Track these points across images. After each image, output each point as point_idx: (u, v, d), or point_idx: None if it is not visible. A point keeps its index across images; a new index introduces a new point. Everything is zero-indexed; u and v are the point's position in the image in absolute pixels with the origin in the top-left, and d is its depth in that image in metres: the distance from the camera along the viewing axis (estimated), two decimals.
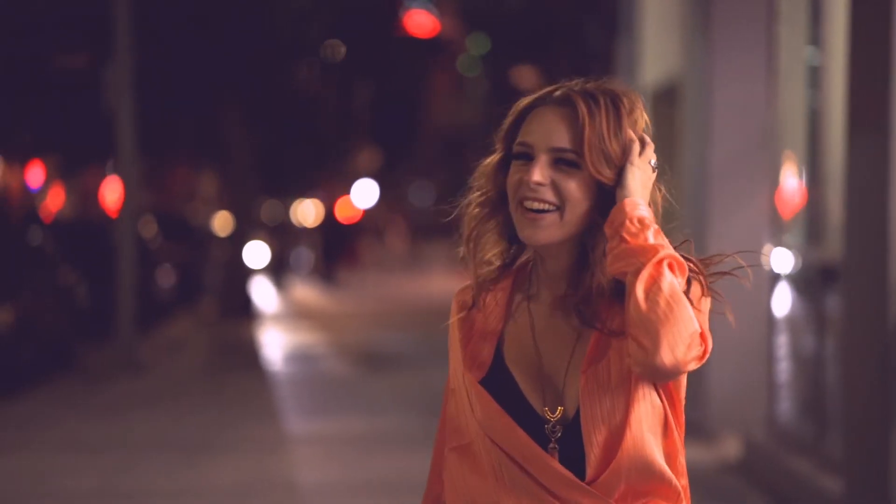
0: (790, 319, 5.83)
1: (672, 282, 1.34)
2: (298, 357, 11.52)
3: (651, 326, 1.32)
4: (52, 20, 13.60)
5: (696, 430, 6.18)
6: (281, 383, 9.43)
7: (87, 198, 20.97)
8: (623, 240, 1.37)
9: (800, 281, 5.76)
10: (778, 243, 5.95)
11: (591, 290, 1.40)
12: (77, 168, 19.06)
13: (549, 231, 1.40)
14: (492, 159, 1.46)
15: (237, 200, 16.27)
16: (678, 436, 1.43)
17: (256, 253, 20.23)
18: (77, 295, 11.13)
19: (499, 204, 1.44)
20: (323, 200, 28.56)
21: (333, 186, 28.90)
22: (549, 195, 1.39)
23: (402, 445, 6.60)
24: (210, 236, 19.58)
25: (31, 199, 18.51)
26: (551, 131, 1.39)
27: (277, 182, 20.98)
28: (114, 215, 11.92)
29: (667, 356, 1.32)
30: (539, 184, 1.38)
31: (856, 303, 4.53)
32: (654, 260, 1.35)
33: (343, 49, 16.83)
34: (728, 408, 6.41)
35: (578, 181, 1.39)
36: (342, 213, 28.60)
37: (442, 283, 23.13)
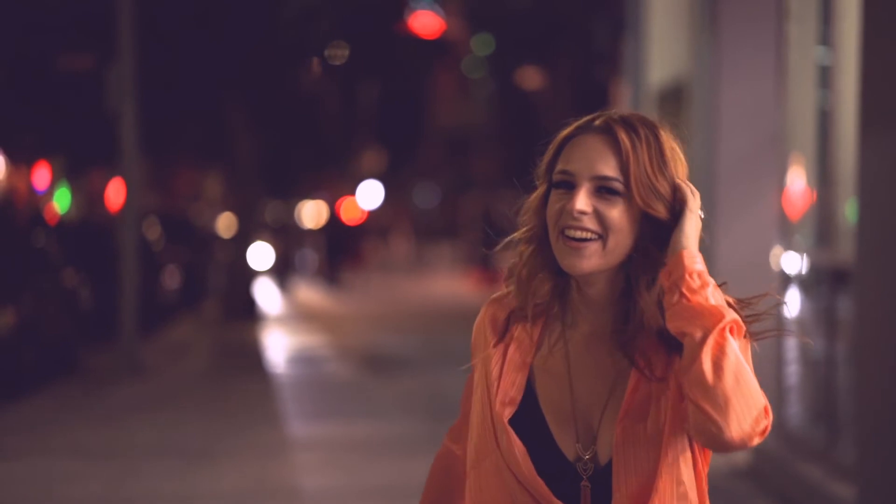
0: (800, 322, 5.75)
1: (737, 352, 1.33)
2: (302, 360, 11.46)
3: (719, 400, 1.31)
4: (58, 20, 13.55)
5: None
6: (284, 386, 9.36)
7: (93, 199, 20.94)
8: (683, 295, 1.36)
9: (809, 283, 5.69)
10: (787, 245, 5.88)
11: (639, 326, 1.40)
12: (83, 169, 19.04)
13: (592, 260, 1.39)
14: (536, 194, 1.45)
15: (241, 202, 16.23)
16: (704, 484, 1.44)
17: (260, 255, 20.18)
18: (81, 297, 11.08)
19: (544, 238, 1.44)
20: (327, 202, 28.52)
21: (338, 187, 28.85)
22: (591, 224, 1.39)
23: (406, 450, 6.53)
24: (214, 238, 19.54)
25: (36, 201, 18.47)
26: (594, 160, 1.40)
27: (281, 183, 20.94)
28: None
29: (735, 431, 1.31)
30: (582, 212, 1.38)
31: (869, 305, 4.45)
32: (720, 327, 1.33)
33: (348, 49, 16.78)
34: None
35: (621, 210, 1.39)
36: (346, 215, 28.55)
37: (446, 285, 23.04)
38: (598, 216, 1.39)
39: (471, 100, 29.49)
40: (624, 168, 1.40)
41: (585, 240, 1.39)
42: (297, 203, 29.04)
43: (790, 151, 5.96)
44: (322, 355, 11.65)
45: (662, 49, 7.93)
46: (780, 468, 5.48)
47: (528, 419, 1.41)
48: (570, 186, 1.41)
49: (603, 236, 1.39)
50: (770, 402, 4.78)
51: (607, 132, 1.42)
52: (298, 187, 25.30)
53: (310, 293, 21.81)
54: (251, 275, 16.41)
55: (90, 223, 15.48)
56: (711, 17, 6.64)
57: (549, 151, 1.46)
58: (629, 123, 1.43)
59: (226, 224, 20.46)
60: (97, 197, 20.29)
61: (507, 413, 1.42)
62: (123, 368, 9.92)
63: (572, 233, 1.39)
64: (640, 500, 1.37)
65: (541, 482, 1.38)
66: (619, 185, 1.40)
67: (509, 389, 1.42)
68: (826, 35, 5.62)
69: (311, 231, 27.71)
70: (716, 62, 6.53)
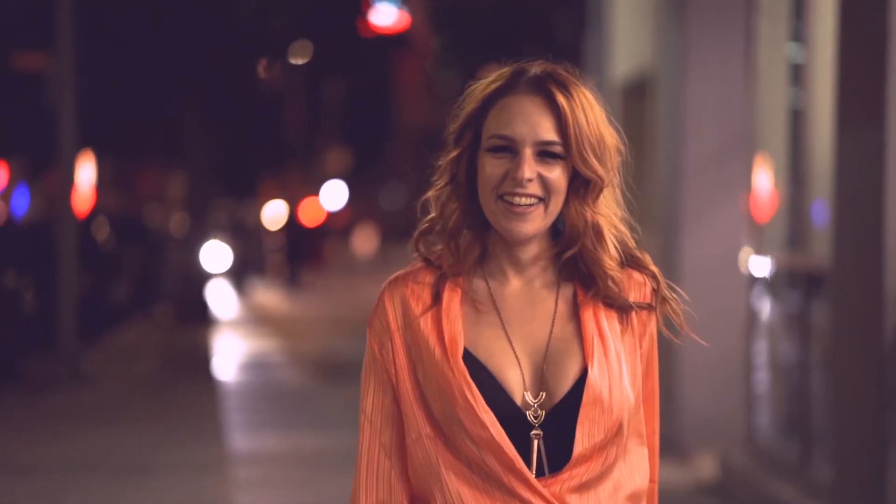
0: (769, 327, 5.49)
1: None
2: (252, 366, 11.08)
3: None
4: (8, 17, 13.14)
5: (669, 446, 5.80)
6: (231, 395, 9.01)
7: (50, 200, 20.38)
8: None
9: (779, 286, 5.44)
10: (756, 247, 5.63)
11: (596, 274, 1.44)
12: (42, 170, 18.53)
13: (535, 224, 1.42)
14: (455, 154, 1.45)
15: (194, 201, 15.83)
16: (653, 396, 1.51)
17: (215, 256, 19.73)
18: (24, 301, 10.65)
19: (468, 199, 1.45)
20: (288, 202, 28.12)
21: (300, 188, 28.46)
22: (535, 189, 1.41)
23: (354, 464, 6.14)
24: (168, 239, 19.05)
25: None
26: (535, 125, 1.40)
27: (240, 183, 20.54)
28: (81, 217, 11.54)
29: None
30: (529, 180, 1.40)
31: (846, 312, 4.17)
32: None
33: (307, 46, 16.44)
34: (703, 423, 6.07)
35: (560, 172, 1.42)
36: (308, 215, 28.16)
37: None
38: (542, 181, 1.41)
39: (437, 99, 29.27)
40: (563, 131, 1.40)
41: (530, 205, 1.41)
42: (258, 203, 28.60)
43: (759, 151, 5.71)
44: (274, 361, 11.30)
45: (627, 41, 7.68)
46: (750, 485, 5.18)
47: (475, 374, 1.41)
48: (509, 151, 1.41)
49: (544, 200, 1.42)
50: (738, 412, 4.46)
51: (543, 92, 1.41)
52: (259, 187, 24.87)
53: (268, 296, 21.39)
54: (205, 277, 15.98)
55: (41, 225, 14.97)
56: (678, 9, 6.40)
57: (470, 108, 1.43)
58: (561, 83, 1.42)
59: (180, 225, 19.99)
60: (55, 198, 19.75)
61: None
62: (63, 376, 9.50)
63: (518, 199, 1.40)
64: (602, 427, 1.40)
65: (502, 431, 1.38)
66: (559, 149, 1.41)
67: (455, 349, 1.42)
68: (799, 31, 5.38)
69: (271, 231, 27.28)
70: (682, 56, 6.31)
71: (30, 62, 13.70)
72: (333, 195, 29.84)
